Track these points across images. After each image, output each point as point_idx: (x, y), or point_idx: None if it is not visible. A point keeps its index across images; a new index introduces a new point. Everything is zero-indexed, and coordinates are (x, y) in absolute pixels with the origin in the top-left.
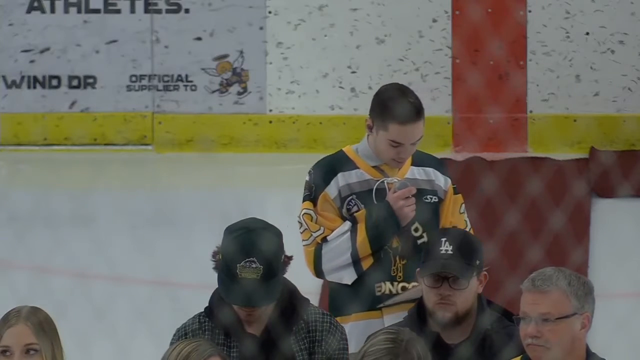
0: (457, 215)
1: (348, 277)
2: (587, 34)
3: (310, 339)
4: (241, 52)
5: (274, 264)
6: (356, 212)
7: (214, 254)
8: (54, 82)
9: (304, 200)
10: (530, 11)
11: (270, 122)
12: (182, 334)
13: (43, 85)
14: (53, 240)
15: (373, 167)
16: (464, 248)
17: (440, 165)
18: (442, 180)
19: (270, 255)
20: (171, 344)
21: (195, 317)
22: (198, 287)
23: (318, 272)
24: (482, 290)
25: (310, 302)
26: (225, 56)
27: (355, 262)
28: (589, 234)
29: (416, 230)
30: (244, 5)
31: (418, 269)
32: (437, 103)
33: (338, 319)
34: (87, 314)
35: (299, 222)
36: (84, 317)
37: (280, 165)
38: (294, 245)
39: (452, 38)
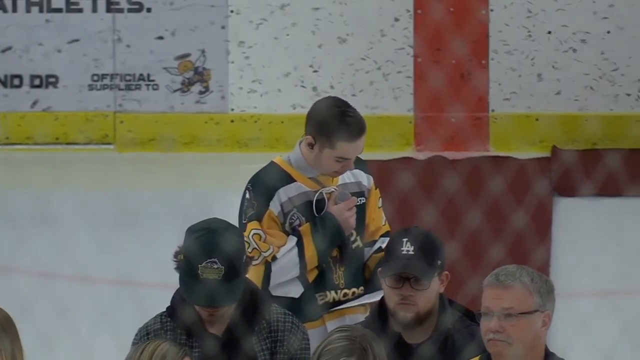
0: (376, 210)
1: (295, 291)
2: (549, 33)
3: (272, 339)
4: (203, 51)
5: (236, 264)
6: (298, 225)
7: (176, 254)
8: (16, 82)
9: (250, 220)
10: (492, 10)
11: (232, 121)
12: (144, 333)
13: (5, 85)
14: (16, 240)
15: (309, 178)
16: (426, 248)
17: (362, 163)
18: (366, 179)
19: (232, 255)
20: (133, 344)
21: (157, 317)
22: (161, 287)
23: (265, 289)
24: (444, 289)
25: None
26: (187, 55)
27: (302, 275)
28: (551, 233)
29: (351, 235)
30: (205, 5)
31: (379, 269)
32: (399, 102)
33: None
34: (51, 313)
35: (247, 242)
36: (47, 316)
37: (242, 165)
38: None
39: (414, 37)
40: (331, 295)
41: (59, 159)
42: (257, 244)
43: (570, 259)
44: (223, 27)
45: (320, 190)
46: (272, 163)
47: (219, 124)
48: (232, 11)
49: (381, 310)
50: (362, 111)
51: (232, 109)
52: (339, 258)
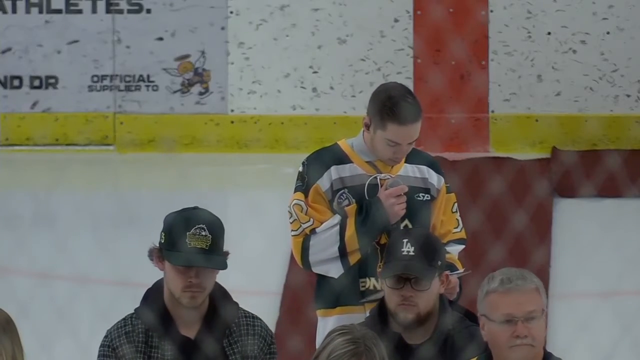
0: (448, 213)
1: (335, 270)
2: (549, 33)
3: (241, 342)
4: (203, 52)
5: (221, 238)
6: (347, 206)
7: (150, 252)
8: (16, 83)
9: (295, 191)
10: (492, 11)
11: (232, 122)
12: (115, 336)
13: (4, 86)
14: (15, 241)
15: (367, 162)
16: (426, 249)
17: (434, 163)
18: (435, 179)
19: (218, 227)
20: (101, 346)
21: (127, 319)
22: None
23: (305, 263)
24: (444, 290)
25: (239, 304)
26: (187, 56)
27: (343, 256)
28: (551, 233)
29: (406, 227)
30: (205, 6)
31: (379, 270)
32: None
33: (321, 311)
34: (50, 314)
35: (289, 212)
36: (46, 317)
37: (242, 166)
38: (259, 242)
39: (413, 38)
40: (371, 282)
41: (58, 160)
42: (297, 215)
43: (570, 259)
44: (223, 28)
45: (375, 175)
46: (335, 144)
47: (219, 125)
48: (231, 12)
49: (381, 311)
50: (362, 112)
51: (232, 110)
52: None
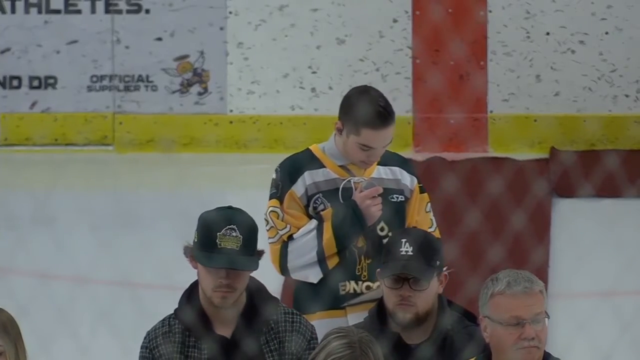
0: (422, 214)
1: (314, 275)
2: (548, 34)
3: (279, 340)
4: (202, 52)
5: (253, 239)
6: (322, 210)
7: (186, 250)
8: (15, 83)
9: (270, 198)
10: (490, 11)
11: (231, 122)
12: (153, 337)
13: (4, 86)
14: (14, 241)
15: (340, 166)
16: (424, 249)
17: (406, 164)
18: (408, 179)
19: (250, 227)
20: (142, 347)
21: (164, 320)
22: (160, 288)
23: (283, 269)
24: (443, 290)
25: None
26: (186, 56)
27: (321, 260)
28: (550, 233)
29: (382, 229)
30: (204, 6)
31: (378, 270)
32: (398, 103)
33: None
34: (49, 314)
35: (265, 219)
36: (46, 317)
37: (241, 166)
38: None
39: (412, 38)
40: (352, 285)
41: (58, 159)
42: (274, 222)
43: (569, 259)
44: (222, 29)
45: (348, 179)
46: (306, 149)
47: (218, 125)
48: (230, 12)
49: (380, 311)
50: None
51: (231, 110)
52: (364, 249)
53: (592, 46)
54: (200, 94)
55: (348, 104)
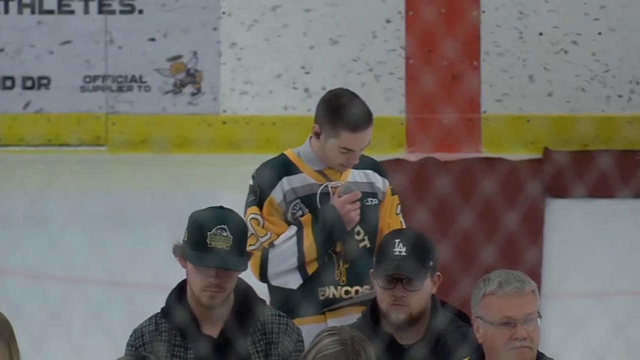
0: (394, 216)
1: (294, 281)
2: (541, 34)
3: (266, 341)
4: (195, 52)
5: (243, 239)
6: (301, 216)
7: (175, 249)
8: (8, 83)
9: (249, 205)
10: (483, 12)
11: (224, 122)
12: (139, 335)
13: None
14: (7, 241)
15: (316, 171)
16: (418, 249)
17: (378, 166)
18: (380, 182)
19: (241, 228)
20: (128, 345)
21: (151, 318)
22: (153, 288)
23: (263, 276)
24: (436, 290)
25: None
26: (179, 57)
27: (301, 266)
28: (543, 234)
29: (358, 233)
30: (197, 6)
31: (372, 270)
32: (391, 103)
33: None
34: (42, 314)
35: None
36: (39, 317)
37: (234, 166)
38: None
39: (405, 39)
40: (330, 291)
41: (51, 160)
42: (254, 229)
43: (562, 259)
44: (215, 29)
45: (325, 184)
46: (281, 154)
47: (211, 126)
48: (223, 13)
49: (373, 312)
50: None
51: (224, 111)
52: (342, 254)
53: (585, 46)
54: (193, 94)
55: (326, 108)
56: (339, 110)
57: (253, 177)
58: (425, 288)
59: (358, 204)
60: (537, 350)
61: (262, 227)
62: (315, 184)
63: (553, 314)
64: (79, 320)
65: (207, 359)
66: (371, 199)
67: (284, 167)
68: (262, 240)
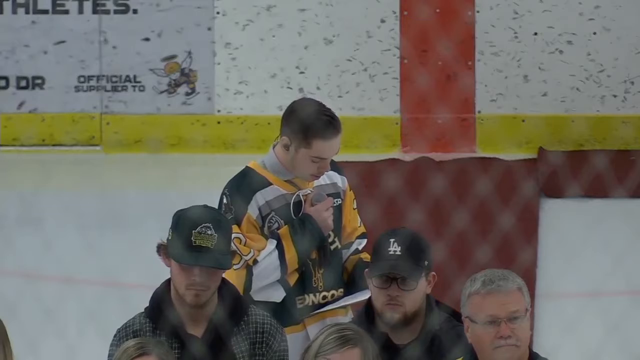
0: (352, 211)
1: (277, 295)
2: (536, 34)
3: (252, 341)
4: (189, 52)
5: (227, 239)
6: (277, 228)
7: (159, 247)
8: (2, 83)
9: None
10: (478, 11)
11: (219, 122)
12: (123, 335)
13: None
14: (1, 241)
15: (285, 181)
16: (413, 248)
17: (336, 166)
18: (340, 181)
19: (225, 228)
20: (112, 345)
21: (135, 318)
22: (147, 288)
23: (246, 292)
24: (431, 290)
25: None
26: (174, 57)
27: (283, 279)
28: (538, 234)
29: (329, 236)
30: (192, 6)
31: (366, 270)
32: (386, 103)
33: None
34: (36, 314)
35: None
36: (34, 317)
37: (229, 166)
38: None
39: (400, 38)
40: (310, 298)
41: (45, 160)
42: (237, 248)
43: (557, 259)
44: (209, 29)
45: (297, 193)
46: (246, 168)
47: (206, 126)
48: (218, 12)
49: (368, 311)
50: (348, 112)
51: (219, 111)
52: (318, 260)
53: (580, 46)
54: (187, 94)
55: (293, 118)
56: (308, 120)
57: (225, 195)
58: (420, 288)
59: (332, 210)
60: (532, 350)
61: (245, 245)
62: (288, 194)
63: (548, 313)
64: (73, 320)
65: (191, 358)
66: (337, 199)
67: (255, 181)
68: (246, 258)
